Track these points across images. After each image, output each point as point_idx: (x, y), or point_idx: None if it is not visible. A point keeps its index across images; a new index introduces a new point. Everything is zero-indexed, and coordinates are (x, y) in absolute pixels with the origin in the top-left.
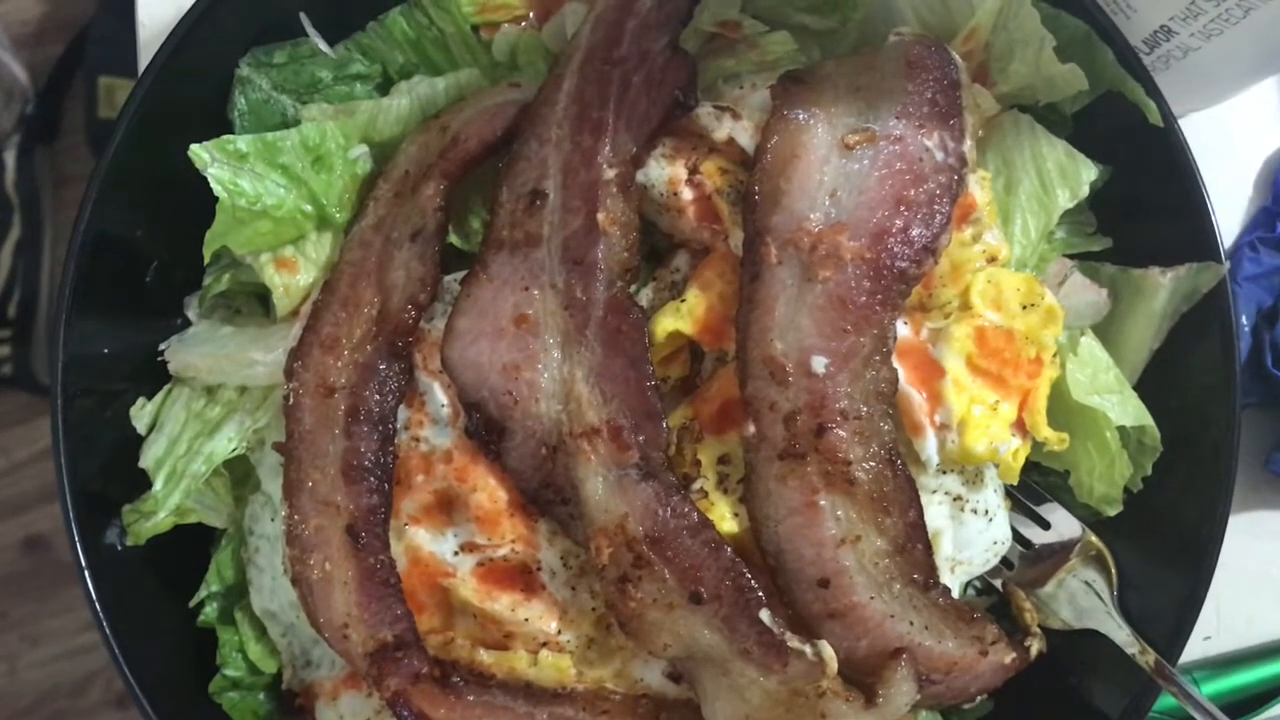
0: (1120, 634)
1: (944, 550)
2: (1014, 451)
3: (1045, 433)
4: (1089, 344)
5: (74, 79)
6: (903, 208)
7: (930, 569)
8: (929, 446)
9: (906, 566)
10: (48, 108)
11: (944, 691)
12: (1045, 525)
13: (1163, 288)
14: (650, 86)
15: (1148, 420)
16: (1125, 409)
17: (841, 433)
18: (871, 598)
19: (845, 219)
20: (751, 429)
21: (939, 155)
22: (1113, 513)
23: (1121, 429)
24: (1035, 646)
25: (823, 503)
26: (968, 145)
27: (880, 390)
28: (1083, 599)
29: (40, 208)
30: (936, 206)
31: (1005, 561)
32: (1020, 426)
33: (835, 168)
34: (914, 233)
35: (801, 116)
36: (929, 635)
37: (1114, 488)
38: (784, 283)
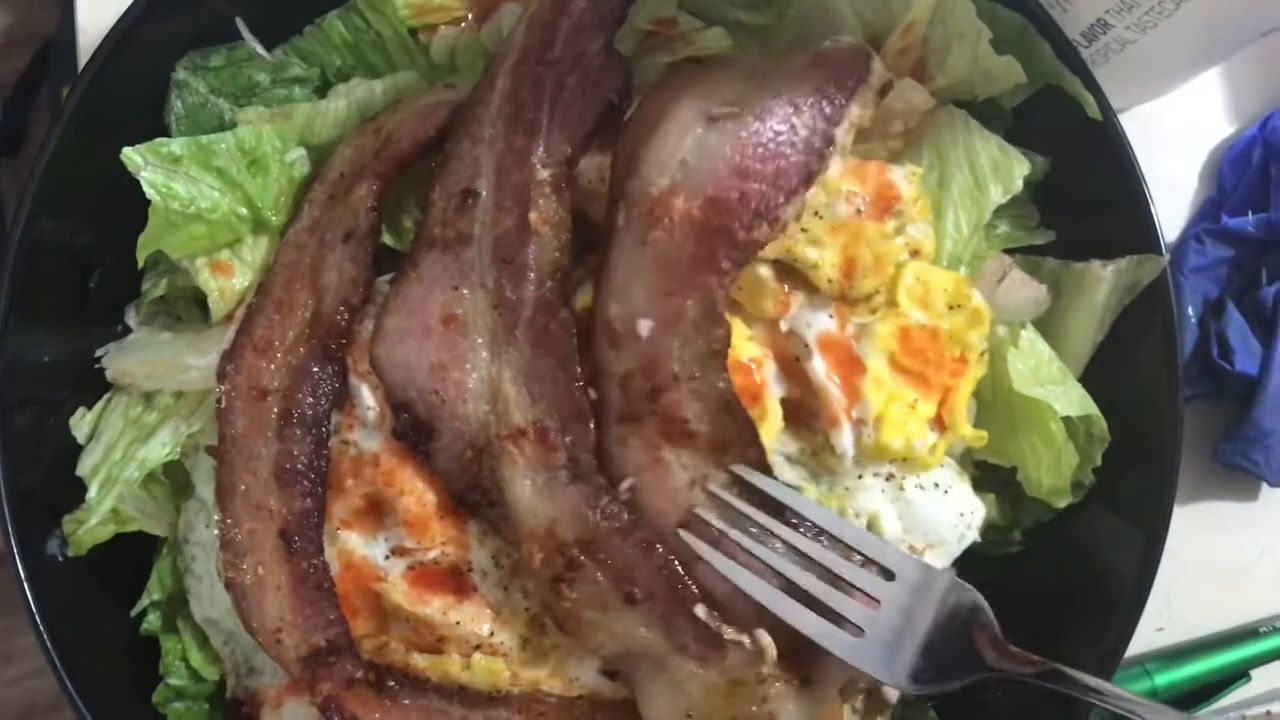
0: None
1: (890, 531)
2: (930, 446)
3: (965, 430)
4: (1030, 337)
5: (39, 92)
6: (745, 176)
7: None
8: (844, 440)
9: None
10: (12, 121)
11: None
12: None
13: (1104, 280)
14: (585, 88)
15: (1093, 409)
16: (1069, 399)
17: (675, 394)
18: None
19: (684, 183)
20: (593, 394)
21: (803, 133)
22: (1062, 504)
23: (1068, 421)
24: None
25: (667, 456)
26: (841, 129)
27: (714, 351)
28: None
29: (4, 221)
30: (782, 181)
31: None
32: (939, 421)
33: (693, 138)
34: (750, 200)
35: (677, 89)
36: None
37: (1061, 479)
38: (625, 247)
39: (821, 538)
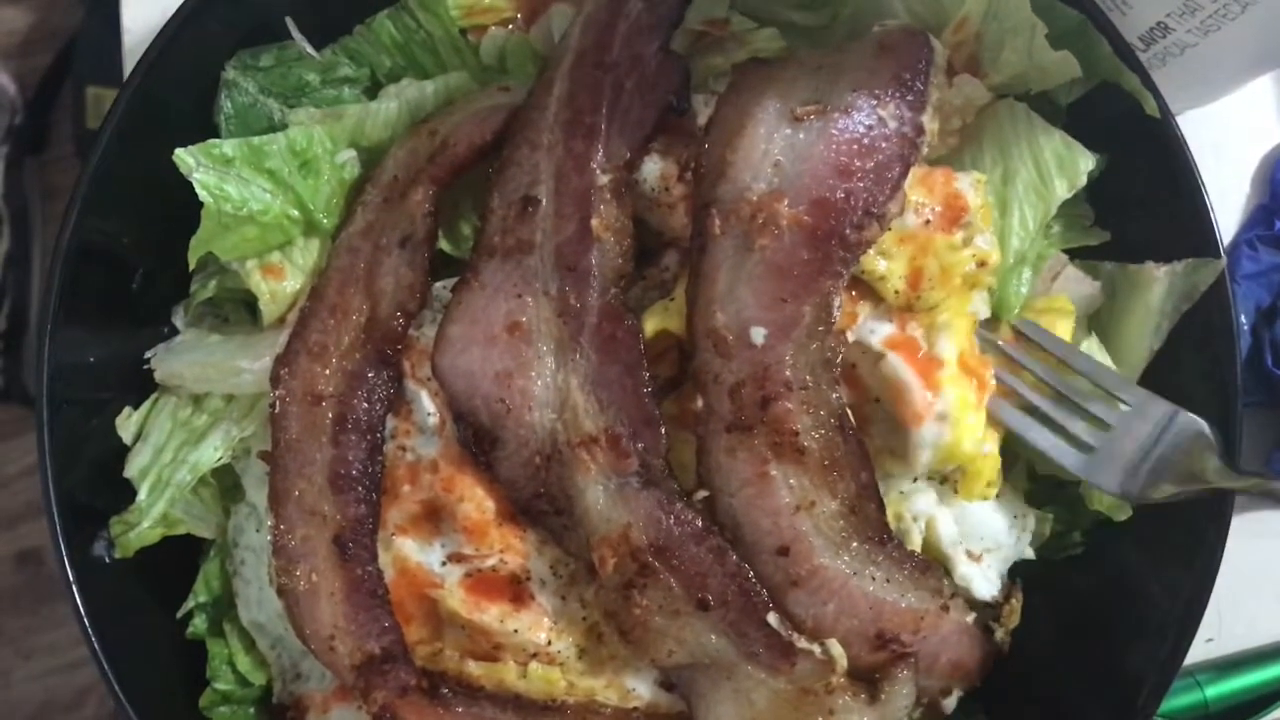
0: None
1: (946, 536)
2: (988, 457)
3: (995, 449)
4: (1090, 346)
5: (62, 90)
6: (846, 175)
7: (884, 526)
8: (927, 436)
9: (861, 525)
10: (36, 118)
11: (921, 667)
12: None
13: (1158, 282)
14: (643, 91)
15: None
16: None
17: (788, 404)
18: (832, 559)
19: (785, 187)
20: (700, 403)
21: (892, 124)
22: (1122, 517)
23: None
24: (1000, 635)
25: (774, 472)
26: (927, 116)
27: (827, 359)
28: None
29: (29, 220)
30: (884, 173)
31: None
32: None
33: (782, 138)
34: (856, 198)
35: (754, 90)
36: (891, 589)
37: None
38: (726, 253)
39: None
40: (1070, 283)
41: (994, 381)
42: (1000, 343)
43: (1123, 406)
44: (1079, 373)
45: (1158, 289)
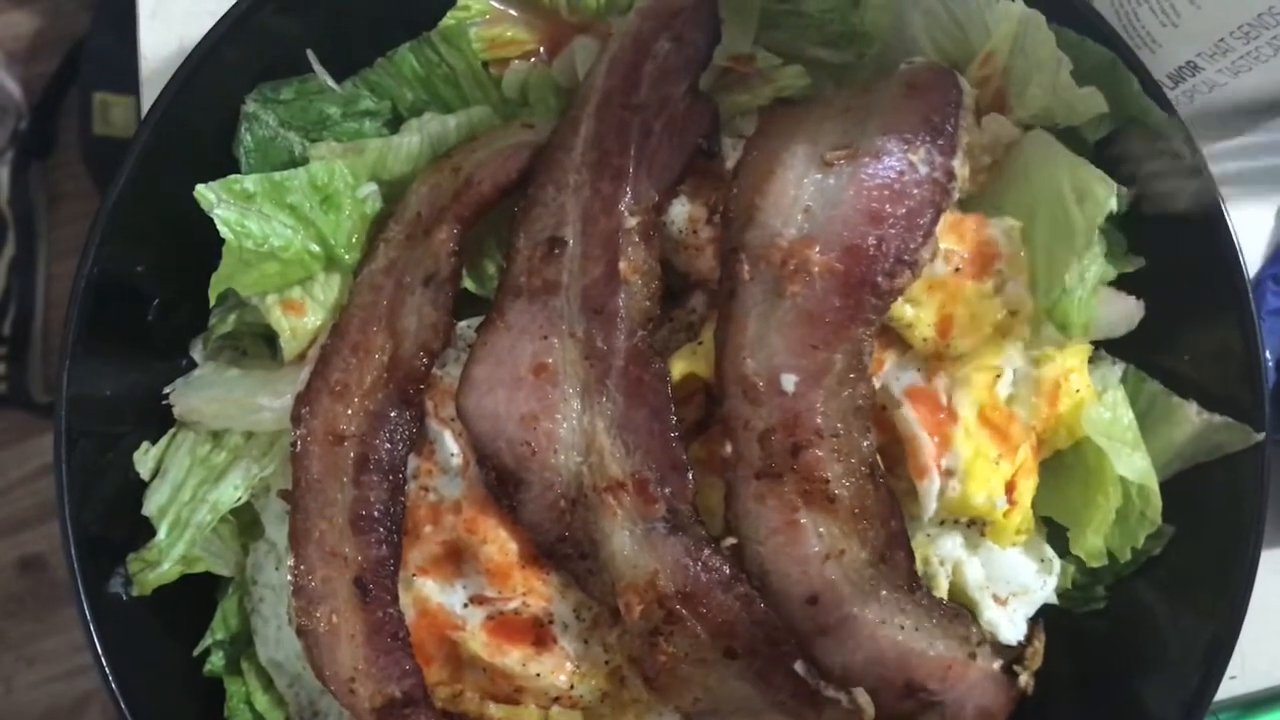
0: None
1: (972, 580)
2: (1005, 512)
3: (1026, 500)
4: (1117, 398)
5: (68, 95)
6: (877, 221)
7: (912, 574)
8: (931, 490)
9: (891, 574)
10: (42, 123)
11: (948, 715)
12: None
13: (1190, 424)
14: (672, 134)
15: (1152, 484)
16: (1132, 464)
17: (818, 452)
18: (861, 608)
19: (816, 233)
20: (729, 449)
21: (923, 169)
22: (1096, 564)
23: (1126, 498)
24: (1024, 678)
25: (804, 520)
26: (958, 161)
27: (858, 407)
28: None
29: (35, 224)
30: (915, 219)
31: None
32: (1010, 490)
33: (812, 183)
34: (888, 245)
35: (783, 134)
36: (920, 637)
37: (1101, 540)
38: (755, 299)
39: None
40: (1106, 301)
41: (1019, 433)
42: None
43: None
44: None
45: (1187, 430)
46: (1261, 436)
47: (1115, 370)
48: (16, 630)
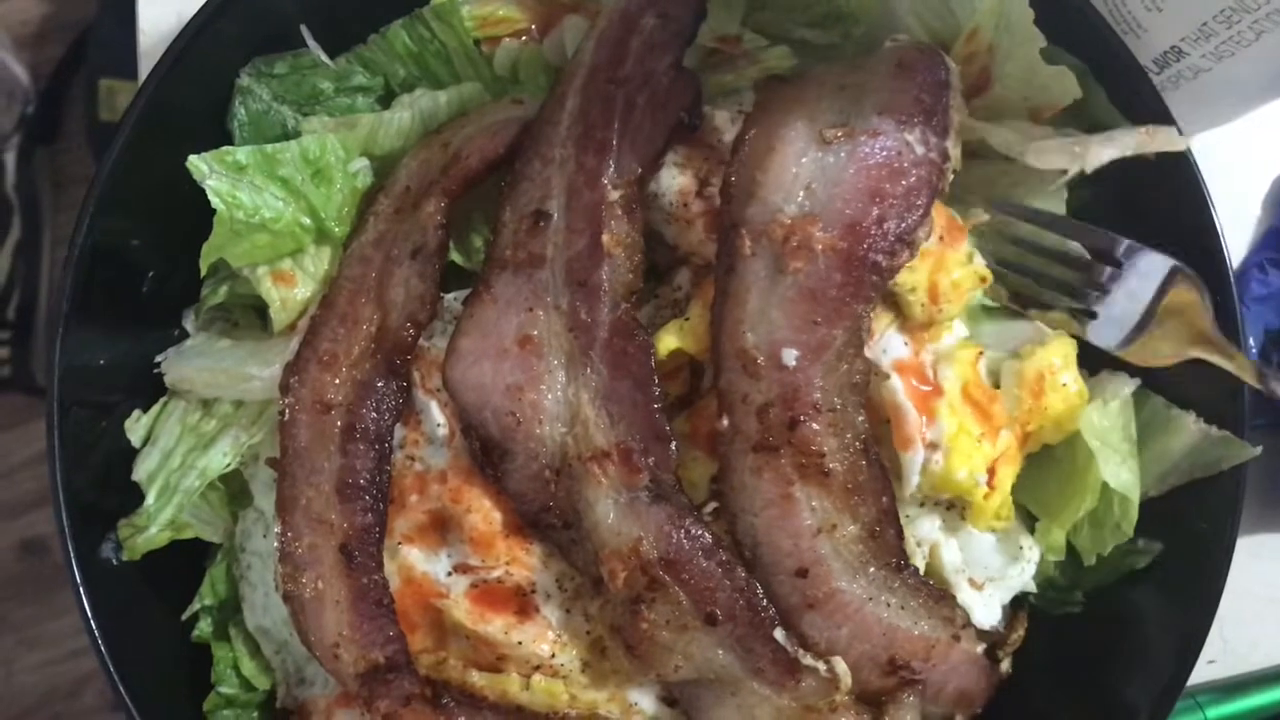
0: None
1: (949, 563)
2: (985, 494)
3: (1006, 486)
4: (1121, 405)
5: (75, 81)
6: (878, 200)
7: (901, 552)
8: (914, 463)
9: (880, 550)
10: (48, 109)
11: (928, 694)
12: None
13: (1189, 434)
14: (655, 107)
15: (1133, 496)
16: (1119, 474)
17: (815, 425)
18: (849, 583)
19: (818, 210)
20: (725, 422)
21: (919, 149)
22: (1054, 559)
23: (1107, 505)
24: (1005, 663)
25: (798, 494)
26: (950, 141)
27: (855, 383)
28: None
29: (40, 209)
30: (913, 199)
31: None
32: (991, 475)
33: (812, 160)
34: (888, 224)
35: (782, 111)
36: (905, 616)
37: (1064, 536)
38: (756, 274)
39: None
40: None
41: (1001, 414)
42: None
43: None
44: (1066, 236)
45: (1185, 441)
46: (1258, 451)
47: (1128, 384)
48: (18, 613)
